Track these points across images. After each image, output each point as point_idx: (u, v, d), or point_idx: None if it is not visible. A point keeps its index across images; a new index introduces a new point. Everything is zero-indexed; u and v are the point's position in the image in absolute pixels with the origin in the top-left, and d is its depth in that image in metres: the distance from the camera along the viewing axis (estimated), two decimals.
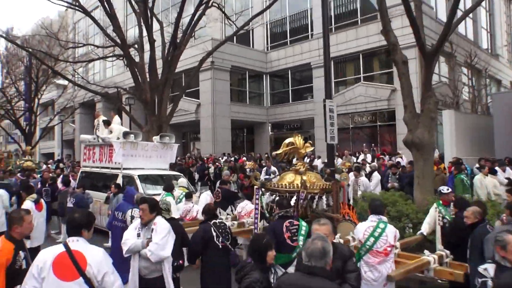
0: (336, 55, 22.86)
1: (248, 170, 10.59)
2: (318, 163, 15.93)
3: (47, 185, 11.49)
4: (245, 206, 8.22)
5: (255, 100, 27.36)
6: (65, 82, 36.35)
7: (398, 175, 9.43)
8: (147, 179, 10.15)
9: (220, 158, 21.04)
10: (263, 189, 6.52)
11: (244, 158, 19.48)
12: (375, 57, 22.44)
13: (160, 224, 4.12)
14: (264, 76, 26.99)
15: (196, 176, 15.87)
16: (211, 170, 16.35)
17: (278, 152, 6.72)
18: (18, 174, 13.98)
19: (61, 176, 13.84)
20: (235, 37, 26.95)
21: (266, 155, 21.17)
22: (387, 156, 15.71)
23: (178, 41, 15.15)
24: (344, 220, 6.29)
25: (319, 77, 23.74)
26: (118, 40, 15.07)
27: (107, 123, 11.34)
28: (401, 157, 14.43)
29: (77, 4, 15.47)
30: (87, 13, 15.49)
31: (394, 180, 9.41)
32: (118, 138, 10.59)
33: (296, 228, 5.04)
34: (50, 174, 14.42)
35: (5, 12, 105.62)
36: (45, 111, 40.88)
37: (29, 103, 24.40)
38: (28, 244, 7.14)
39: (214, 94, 24.01)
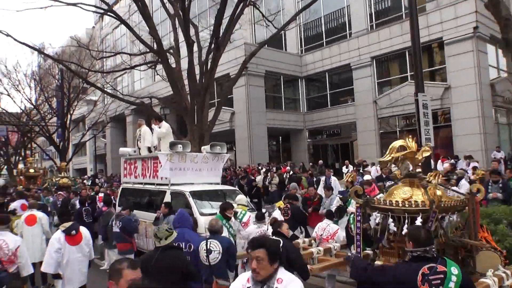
0: (378, 54, 21.17)
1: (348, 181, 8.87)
2: (373, 170, 14.16)
3: (86, 204, 10.21)
4: (326, 227, 6.62)
5: (291, 106, 25.80)
6: (95, 98, 35.88)
7: (502, 183, 7.65)
8: (200, 195, 8.65)
9: (260, 168, 19.55)
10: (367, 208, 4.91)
11: (288, 168, 17.87)
12: (424, 53, 20.55)
13: (290, 281, 2.53)
14: (299, 80, 25.43)
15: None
16: (258, 182, 14.80)
17: (384, 159, 5.08)
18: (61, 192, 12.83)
19: (100, 194, 12.54)
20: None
21: (311, 164, 19.55)
22: (453, 160, 13.83)
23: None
24: (487, 248, 4.61)
25: (360, 79, 22.08)
26: (152, 45, 13.87)
27: (159, 119, 9.98)
28: (477, 161, 12.55)
29: (109, 10, 14.32)
30: (120, 19, 14.35)
31: (496, 190, 7.63)
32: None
33: (442, 278, 3.04)
34: (88, 192, 13.24)
35: (36, 30, 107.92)
36: (76, 127, 40.44)
37: (62, 119, 23.57)
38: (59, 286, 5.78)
39: (249, 102, 22.58)
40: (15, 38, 14.77)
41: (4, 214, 8.36)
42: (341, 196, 9.11)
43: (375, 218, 4.83)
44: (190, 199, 8.34)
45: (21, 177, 22.18)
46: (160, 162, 9.17)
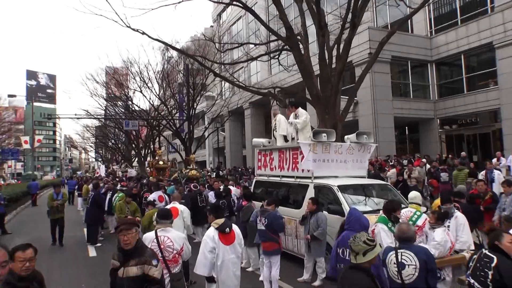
0: None
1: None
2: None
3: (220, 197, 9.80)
4: None
5: (419, 93, 23.19)
6: (213, 94, 37.02)
7: None
8: (350, 191, 7.52)
9: (389, 161, 17.75)
10: None
11: (424, 160, 15.81)
12: None
13: None
14: (428, 65, 22.69)
15: None
16: (390, 176, 13.15)
17: None
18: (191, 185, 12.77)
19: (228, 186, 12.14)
20: (389, 24, 23.47)
21: (450, 156, 17.11)
22: None
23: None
24: None
25: (506, 58, 18.74)
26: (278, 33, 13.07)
27: (293, 105, 9.14)
28: None
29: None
30: (246, 8, 13.86)
31: None
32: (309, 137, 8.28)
33: None
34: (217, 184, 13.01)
35: (161, 30, 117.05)
36: (196, 123, 42.42)
37: (188, 113, 24.45)
38: None
39: (374, 90, 20.71)
40: (150, 36, 15.19)
41: (145, 204, 8.29)
42: None
43: None
44: (339, 195, 7.26)
45: (152, 168, 23.45)
46: (301, 153, 8.27)
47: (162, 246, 4.58)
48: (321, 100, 12.42)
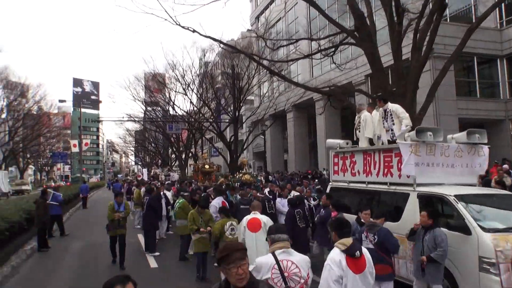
0: None
1: None
2: None
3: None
4: None
5: (487, 92, 21.02)
6: (252, 98, 35.87)
7: None
8: (470, 201, 5.97)
9: None
10: None
11: (506, 166, 13.82)
12: None
13: None
14: (498, 60, 20.51)
15: None
16: None
17: None
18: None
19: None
20: (448, 15, 21.49)
21: None
22: None
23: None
24: None
25: None
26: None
27: (382, 100, 7.70)
28: None
29: None
30: (311, 2, 12.56)
31: None
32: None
33: None
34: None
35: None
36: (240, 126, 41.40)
37: (234, 114, 23.37)
38: None
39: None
40: (200, 33, 14.19)
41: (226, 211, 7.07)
42: None
43: None
44: (459, 207, 5.72)
45: (197, 173, 22.46)
46: (396, 155, 6.83)
47: (286, 274, 3.31)
48: (396, 97, 10.86)
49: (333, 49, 15.36)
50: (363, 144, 8.10)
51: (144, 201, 14.98)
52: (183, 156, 40.38)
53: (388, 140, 7.69)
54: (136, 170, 78.25)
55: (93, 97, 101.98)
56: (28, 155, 59.25)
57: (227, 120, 30.24)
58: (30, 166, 67.03)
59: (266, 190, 12.55)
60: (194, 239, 7.56)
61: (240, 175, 15.16)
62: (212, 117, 27.87)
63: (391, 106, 7.56)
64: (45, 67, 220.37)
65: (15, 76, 46.05)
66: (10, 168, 53.92)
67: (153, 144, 51.74)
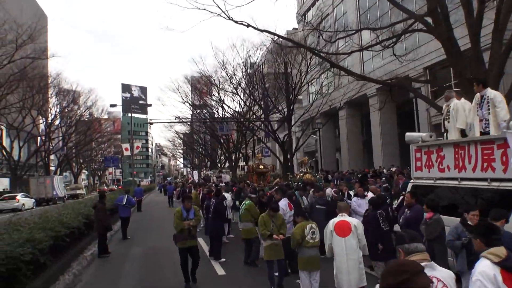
0: None
1: None
2: None
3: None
4: None
5: None
6: (300, 97, 35.05)
7: None
8: None
9: None
10: None
11: None
12: None
13: None
14: None
15: None
16: None
17: None
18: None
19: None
20: None
21: None
22: None
23: None
24: None
25: None
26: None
27: (481, 83, 6.87)
28: None
29: None
30: None
31: None
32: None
33: None
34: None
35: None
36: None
37: (288, 112, 22.81)
38: None
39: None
40: (256, 27, 13.83)
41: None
42: None
43: None
44: None
45: (252, 173, 22.15)
46: (500, 147, 6.02)
47: None
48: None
49: (394, 39, 14.50)
50: (453, 136, 7.30)
51: (200, 203, 14.97)
52: (233, 157, 40.40)
53: (480, 132, 6.87)
54: (185, 173, 79.80)
55: (141, 101, 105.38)
56: (81, 160, 61.82)
57: (277, 119, 29.78)
58: (83, 170, 70.06)
59: (329, 190, 11.89)
60: (266, 245, 7.08)
61: (302, 174, 14.60)
62: (263, 116, 27.45)
63: (489, 92, 6.71)
64: (94, 72, 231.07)
65: (67, 82, 47.90)
66: (64, 173, 56.44)
67: (202, 146, 52.27)
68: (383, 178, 14.14)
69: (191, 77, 36.68)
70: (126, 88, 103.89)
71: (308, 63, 23.93)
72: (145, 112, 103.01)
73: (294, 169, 40.80)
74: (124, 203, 13.83)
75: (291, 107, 24.40)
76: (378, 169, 26.38)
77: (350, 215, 7.45)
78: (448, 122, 7.38)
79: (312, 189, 11.07)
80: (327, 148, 38.28)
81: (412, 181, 8.36)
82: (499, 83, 10.38)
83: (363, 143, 34.89)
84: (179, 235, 7.55)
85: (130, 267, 9.75)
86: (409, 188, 8.32)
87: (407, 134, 8.51)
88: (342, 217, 5.54)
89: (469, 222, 5.42)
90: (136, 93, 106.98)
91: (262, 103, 28.25)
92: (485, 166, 6.46)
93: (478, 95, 6.88)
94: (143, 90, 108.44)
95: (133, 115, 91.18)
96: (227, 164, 47.71)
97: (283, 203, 8.65)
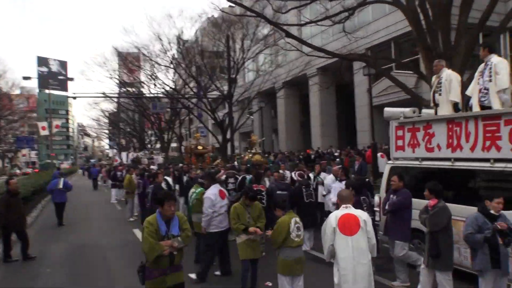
0: None
1: None
2: None
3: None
4: None
5: None
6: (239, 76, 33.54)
7: None
8: None
9: None
10: None
11: None
12: None
13: None
14: None
15: None
16: None
17: None
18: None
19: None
20: None
21: None
22: None
23: None
24: None
25: None
26: None
27: (488, 47, 5.98)
28: None
29: None
30: None
31: None
32: None
33: None
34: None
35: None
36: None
37: (229, 89, 21.21)
38: None
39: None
40: None
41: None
42: None
43: None
44: None
45: (189, 154, 20.49)
46: (509, 123, 5.20)
47: None
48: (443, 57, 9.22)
49: (346, 13, 13.61)
50: (445, 110, 6.43)
51: (137, 187, 13.10)
52: (165, 137, 37.96)
53: (480, 105, 6.06)
54: (111, 154, 74.95)
55: (60, 77, 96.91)
56: None
57: (215, 96, 28.04)
58: None
59: (287, 173, 10.77)
60: (240, 242, 5.72)
61: (251, 155, 13.28)
62: (201, 93, 25.53)
63: (494, 58, 5.85)
64: (3, 43, 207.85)
65: None
66: None
67: (130, 126, 48.80)
68: (337, 160, 13.39)
69: (120, 51, 33.37)
70: (43, 61, 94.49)
71: (252, 37, 22.45)
72: (66, 89, 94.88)
73: (234, 150, 39.67)
74: (61, 186, 12.86)
75: (233, 85, 22.82)
76: (317, 149, 26.05)
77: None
78: (440, 95, 6.48)
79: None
80: (264, 129, 37.49)
81: (390, 162, 7.44)
82: (466, 64, 9.85)
83: (301, 124, 34.56)
84: (152, 267, 4.14)
85: (51, 273, 7.64)
86: (387, 170, 7.41)
87: (386, 109, 7.55)
88: (346, 209, 4.30)
89: (491, 211, 4.51)
90: (55, 67, 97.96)
91: (200, 79, 26.27)
92: (487, 145, 5.64)
93: (482, 65, 6.02)
94: (63, 64, 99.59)
95: (52, 91, 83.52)
96: (158, 145, 45.00)
97: (213, 191, 6.76)
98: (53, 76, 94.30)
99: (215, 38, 23.51)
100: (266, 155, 16.52)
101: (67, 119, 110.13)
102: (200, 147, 20.16)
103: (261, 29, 23.55)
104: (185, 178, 11.95)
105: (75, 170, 61.83)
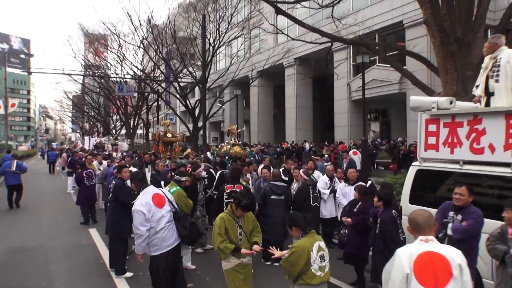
0: None
1: None
2: None
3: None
4: None
5: None
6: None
7: None
8: None
9: None
10: None
11: None
12: None
13: None
14: None
15: None
16: None
17: None
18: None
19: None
20: None
21: None
22: None
23: None
24: None
25: None
26: None
27: None
28: None
29: None
30: None
31: None
32: None
33: None
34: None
35: None
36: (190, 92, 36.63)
37: (203, 72, 19.11)
38: None
39: (431, 56, 16.19)
40: None
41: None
42: None
43: None
44: None
45: (157, 142, 18.47)
46: None
47: None
48: (461, 45, 7.77)
49: None
50: (503, 101, 4.82)
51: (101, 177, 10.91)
52: (132, 123, 35.26)
53: None
54: (73, 138, 70.65)
55: (22, 56, 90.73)
56: None
57: (186, 82, 25.82)
58: None
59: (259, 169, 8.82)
60: (229, 268, 3.88)
61: (229, 147, 11.38)
62: (171, 76, 23.24)
63: None
64: None
65: None
66: None
67: (95, 110, 45.44)
68: (325, 156, 11.76)
69: (86, 29, 30.31)
70: (3, 38, 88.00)
71: (229, 20, 20.42)
72: (27, 68, 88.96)
73: (206, 139, 37.64)
74: (14, 169, 12.16)
75: (208, 69, 20.71)
76: (295, 142, 24.54)
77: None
78: (497, 81, 4.86)
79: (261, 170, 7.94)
80: (235, 119, 35.60)
81: (417, 163, 5.81)
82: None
83: (274, 116, 32.97)
84: None
85: None
86: (411, 174, 5.79)
87: (413, 98, 5.87)
88: (428, 244, 2.54)
89: None
90: (16, 45, 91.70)
91: (171, 62, 23.95)
92: None
93: None
94: (26, 42, 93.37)
95: (13, 70, 77.69)
96: (123, 130, 42.13)
97: (143, 199, 4.38)
98: (15, 54, 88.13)
99: (190, 17, 21.24)
100: (246, 147, 14.62)
101: (29, 100, 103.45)
102: (169, 135, 18.18)
103: (240, 11, 21.61)
104: (148, 172, 9.93)
105: (34, 153, 57.41)
